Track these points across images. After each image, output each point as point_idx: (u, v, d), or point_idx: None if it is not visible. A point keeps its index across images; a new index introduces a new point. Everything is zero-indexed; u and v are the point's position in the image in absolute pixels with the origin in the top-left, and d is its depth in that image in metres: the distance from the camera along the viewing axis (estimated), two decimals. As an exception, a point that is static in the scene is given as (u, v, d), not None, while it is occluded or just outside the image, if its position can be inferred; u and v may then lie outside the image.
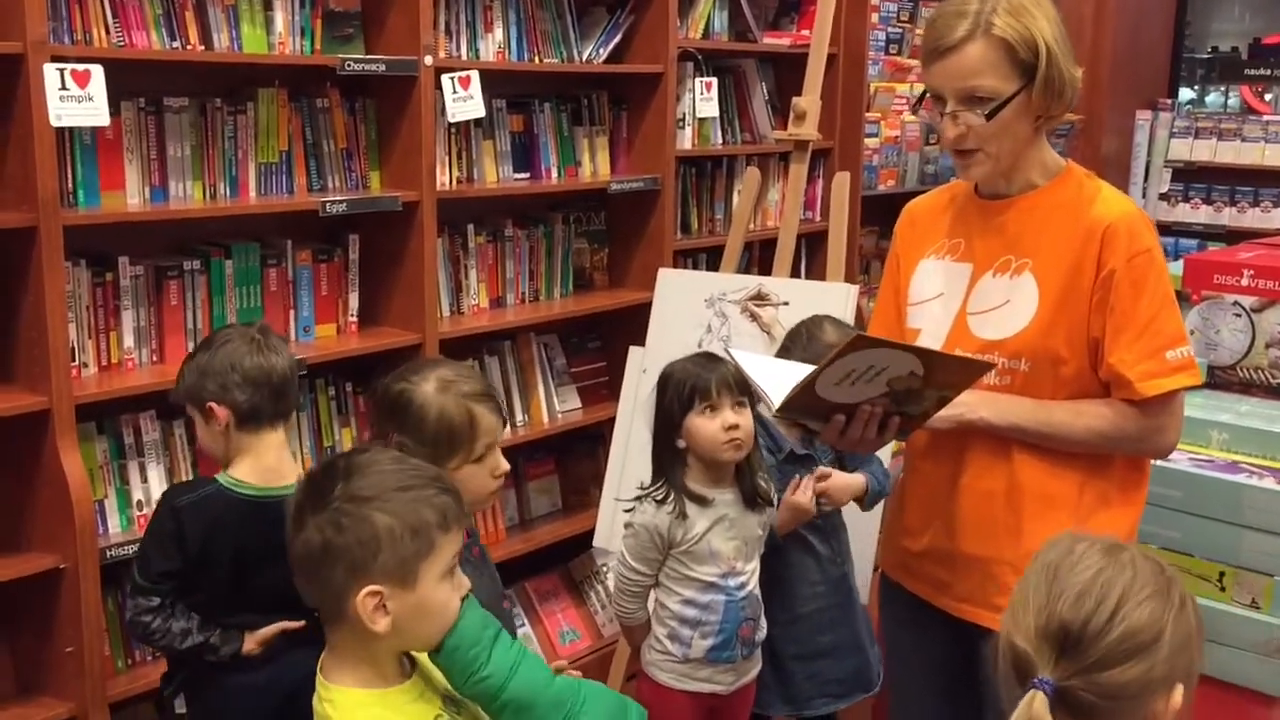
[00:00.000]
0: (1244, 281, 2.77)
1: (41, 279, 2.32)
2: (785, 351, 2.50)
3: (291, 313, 2.91)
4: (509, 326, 3.40)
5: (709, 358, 2.30)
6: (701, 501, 2.27)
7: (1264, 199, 5.50)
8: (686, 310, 3.25)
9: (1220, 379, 2.78)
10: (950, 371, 1.76)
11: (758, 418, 2.31)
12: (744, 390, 2.23)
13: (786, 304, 3.14)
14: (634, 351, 3.31)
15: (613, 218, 3.75)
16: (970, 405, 1.82)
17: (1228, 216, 5.57)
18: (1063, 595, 1.25)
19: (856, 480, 2.47)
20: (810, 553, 2.52)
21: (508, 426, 3.36)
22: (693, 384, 2.23)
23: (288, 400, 2.17)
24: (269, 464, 2.13)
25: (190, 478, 2.67)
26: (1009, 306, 1.86)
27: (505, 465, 1.97)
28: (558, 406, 3.55)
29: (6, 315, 2.41)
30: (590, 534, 3.37)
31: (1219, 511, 2.41)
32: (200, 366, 2.11)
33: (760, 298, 3.18)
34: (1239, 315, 2.80)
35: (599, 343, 3.76)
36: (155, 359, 2.68)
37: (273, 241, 2.89)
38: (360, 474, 1.46)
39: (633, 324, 3.53)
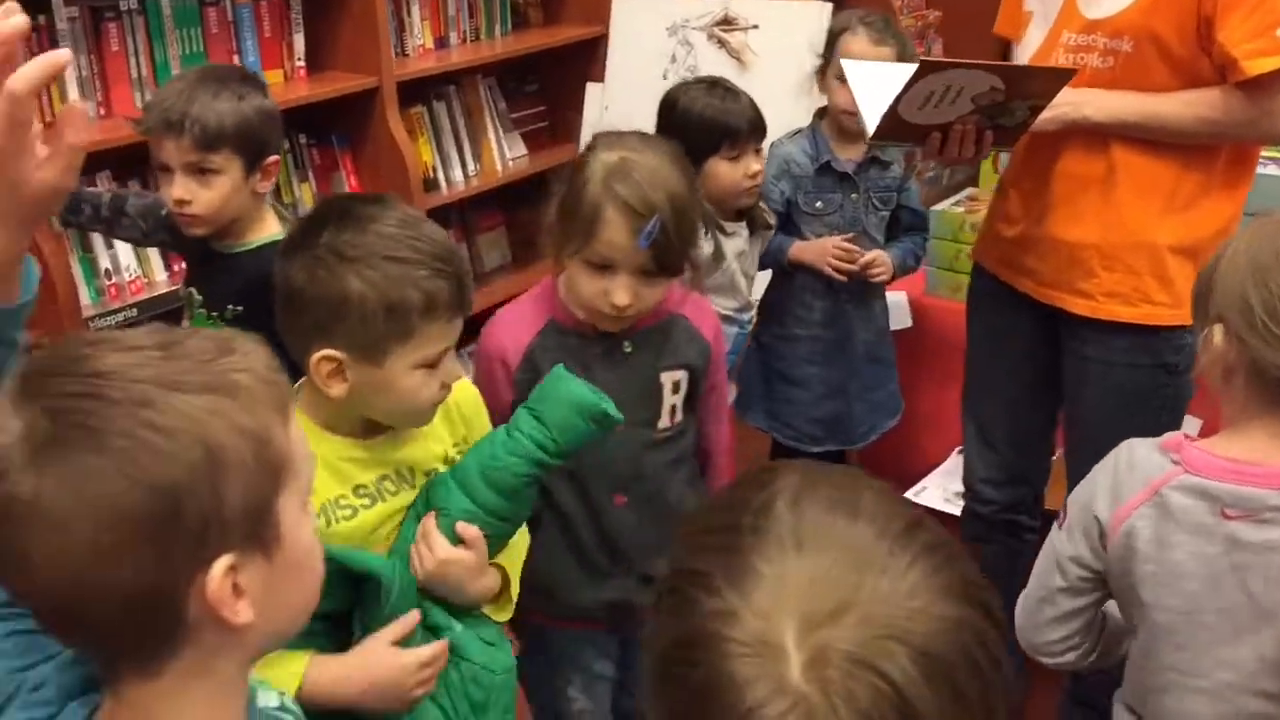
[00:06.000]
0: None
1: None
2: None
3: (235, 57, 2.64)
4: (457, 68, 3.17)
5: (728, 91, 2.18)
6: (724, 231, 2.22)
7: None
8: (647, 40, 3.09)
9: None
10: (1031, 81, 1.75)
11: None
12: (762, 133, 2.17)
13: (756, 27, 3.02)
14: (592, 88, 3.16)
15: (544, -54, 3.50)
16: (1074, 104, 1.80)
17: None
18: None
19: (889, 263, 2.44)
20: (818, 289, 2.49)
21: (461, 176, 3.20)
22: (721, 127, 2.13)
23: None
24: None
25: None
26: None
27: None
28: (508, 154, 3.38)
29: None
30: (550, 284, 3.28)
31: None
32: (266, 111, 1.82)
33: (727, 22, 3.04)
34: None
35: (537, 85, 3.56)
36: (103, 112, 2.40)
37: (207, -23, 2.58)
38: (354, 227, 1.27)
39: (574, 63, 3.35)
